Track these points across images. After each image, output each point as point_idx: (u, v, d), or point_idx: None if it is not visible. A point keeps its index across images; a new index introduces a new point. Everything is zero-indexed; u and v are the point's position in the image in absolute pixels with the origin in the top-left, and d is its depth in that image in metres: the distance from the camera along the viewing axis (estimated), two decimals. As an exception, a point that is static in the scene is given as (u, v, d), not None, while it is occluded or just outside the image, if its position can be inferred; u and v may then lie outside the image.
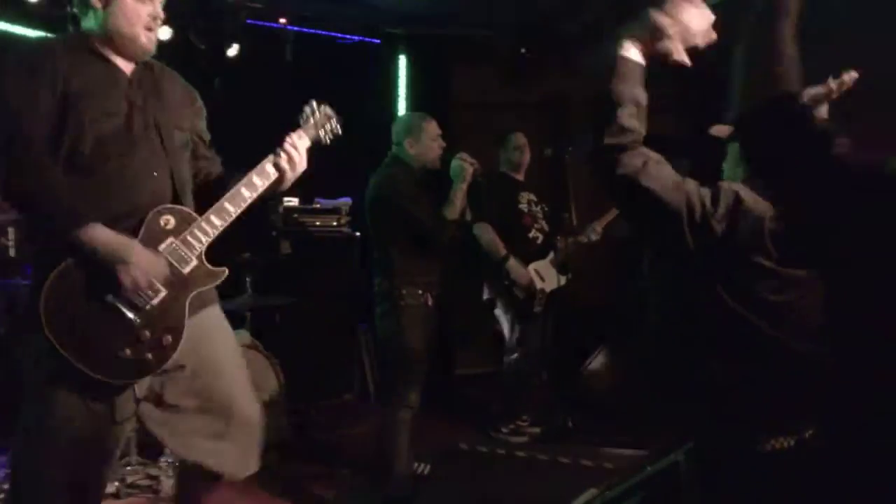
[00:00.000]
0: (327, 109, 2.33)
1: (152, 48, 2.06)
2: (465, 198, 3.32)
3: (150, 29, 2.03)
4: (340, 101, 6.16)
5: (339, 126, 2.35)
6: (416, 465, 3.50)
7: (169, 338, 1.93)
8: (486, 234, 4.18)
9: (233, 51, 5.23)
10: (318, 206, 5.43)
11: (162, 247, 1.95)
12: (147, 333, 1.90)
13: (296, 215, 5.28)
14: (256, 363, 4.07)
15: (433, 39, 6.09)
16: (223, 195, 2.10)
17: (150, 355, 1.90)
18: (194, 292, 1.99)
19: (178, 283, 1.96)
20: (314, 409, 4.51)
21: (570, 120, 6.65)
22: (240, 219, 2.09)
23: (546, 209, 4.53)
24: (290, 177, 2.17)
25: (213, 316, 2.16)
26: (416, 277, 3.25)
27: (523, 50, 6.05)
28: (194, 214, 2.03)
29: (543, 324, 4.40)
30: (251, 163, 5.46)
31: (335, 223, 5.41)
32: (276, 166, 2.14)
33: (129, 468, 3.69)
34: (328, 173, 5.90)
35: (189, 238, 1.99)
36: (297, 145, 2.18)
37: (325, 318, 5.01)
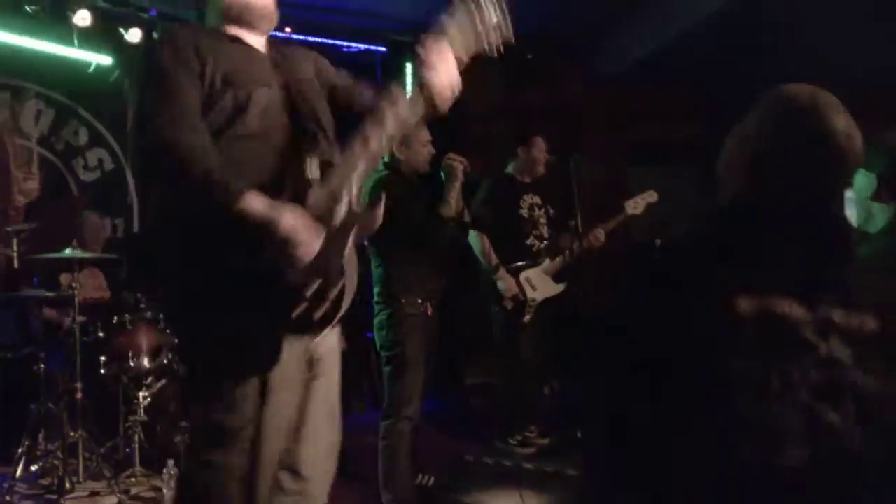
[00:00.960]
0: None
1: (274, 13, 2.00)
2: (461, 197, 3.27)
3: None
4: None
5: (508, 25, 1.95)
6: (420, 476, 3.45)
7: (334, 291, 1.82)
8: (480, 242, 4.14)
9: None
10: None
11: (311, 201, 1.81)
12: (310, 289, 1.78)
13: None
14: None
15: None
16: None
17: (320, 313, 1.81)
18: (350, 237, 1.86)
19: (329, 232, 1.81)
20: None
21: (575, 125, 6.64)
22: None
23: (552, 212, 4.47)
24: (443, 94, 1.92)
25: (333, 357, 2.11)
26: (415, 286, 3.20)
27: (529, 56, 6.02)
28: (335, 160, 1.92)
29: (538, 333, 4.34)
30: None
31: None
32: (420, 85, 1.89)
33: (132, 479, 3.69)
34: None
35: (333, 183, 1.84)
36: (437, 47, 1.92)
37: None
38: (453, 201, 3.21)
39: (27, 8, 4.38)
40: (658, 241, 6.27)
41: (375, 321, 3.24)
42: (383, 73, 6.05)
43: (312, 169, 1.88)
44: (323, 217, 1.80)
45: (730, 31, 5.48)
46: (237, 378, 1.78)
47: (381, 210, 2.00)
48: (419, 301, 3.18)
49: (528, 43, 6.03)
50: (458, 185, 3.21)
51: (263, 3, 1.98)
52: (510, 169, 4.45)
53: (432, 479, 3.56)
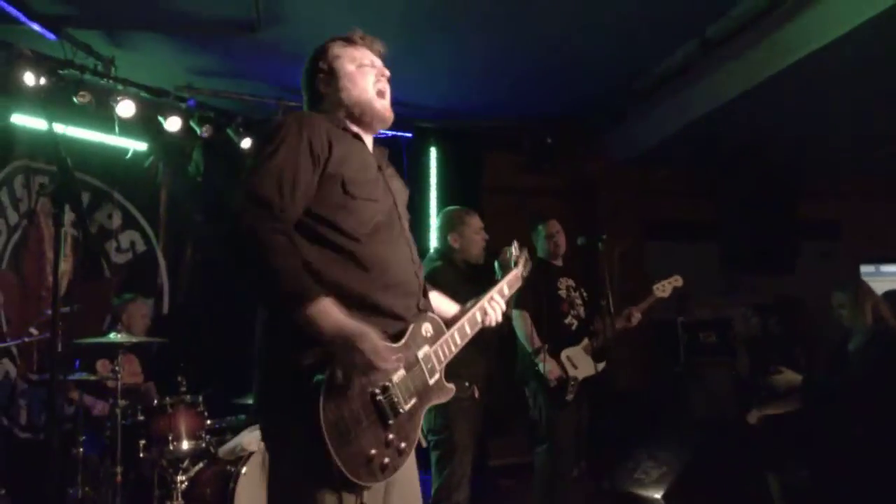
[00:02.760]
0: (525, 252, 2.44)
1: (391, 115, 2.02)
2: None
3: (382, 95, 2.01)
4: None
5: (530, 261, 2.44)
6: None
7: (405, 446, 1.81)
8: (524, 323, 4.17)
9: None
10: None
11: (420, 354, 1.89)
12: (393, 438, 1.78)
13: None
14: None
15: (463, 131, 6.29)
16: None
17: (387, 460, 1.75)
18: (429, 405, 1.92)
19: (423, 392, 1.88)
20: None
21: (597, 205, 6.78)
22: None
23: (585, 295, 4.53)
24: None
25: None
26: (462, 369, 3.22)
27: (549, 139, 6.21)
28: (444, 327, 1.99)
29: (577, 413, 4.32)
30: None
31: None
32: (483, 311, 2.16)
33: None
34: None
35: (440, 350, 1.94)
36: (507, 287, 2.28)
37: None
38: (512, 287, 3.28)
39: (75, 99, 4.55)
40: (681, 319, 6.36)
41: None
42: (409, 157, 6.23)
43: (427, 326, 1.92)
44: (423, 376, 1.87)
45: (744, 117, 5.67)
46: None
47: (452, 390, 1.99)
48: (466, 384, 3.19)
49: (548, 127, 6.25)
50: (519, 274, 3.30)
51: (385, 106, 2.01)
52: (539, 252, 4.53)
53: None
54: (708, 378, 5.83)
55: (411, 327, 1.87)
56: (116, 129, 4.90)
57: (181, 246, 5.73)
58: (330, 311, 1.64)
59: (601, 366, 4.29)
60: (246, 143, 5.35)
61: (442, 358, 1.95)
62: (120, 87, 4.72)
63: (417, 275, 1.97)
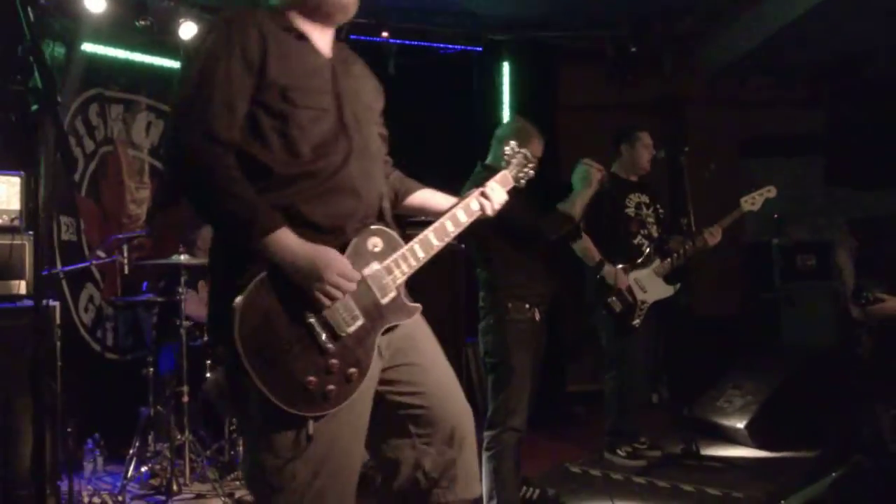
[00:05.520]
0: (527, 154, 2.17)
1: (356, 4, 1.80)
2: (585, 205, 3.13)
3: None
4: (445, 111, 6.16)
5: (535, 169, 2.21)
6: (524, 489, 3.30)
7: (355, 372, 1.67)
8: (581, 241, 3.92)
9: (337, 67, 5.26)
10: (423, 218, 5.35)
11: (367, 271, 1.73)
12: (336, 363, 1.65)
13: (400, 228, 5.22)
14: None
15: (537, 43, 5.92)
16: (400, 203, 2.01)
17: (332, 387, 1.64)
18: (385, 326, 1.76)
19: (375, 313, 1.73)
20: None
21: (685, 119, 6.32)
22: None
23: (661, 212, 4.22)
24: (488, 214, 2.02)
25: (418, 325, 1.90)
26: (522, 290, 3.05)
27: (633, 48, 5.76)
28: (400, 240, 1.81)
29: (648, 338, 4.09)
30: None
31: (440, 236, 5.32)
32: (480, 204, 1.99)
33: (236, 483, 3.72)
34: (431, 184, 5.94)
35: (393, 266, 1.76)
36: (499, 186, 2.06)
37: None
38: (578, 205, 3.09)
39: (136, 23, 4.54)
40: (776, 241, 5.91)
41: (481, 326, 3.11)
42: (479, 73, 5.94)
43: (375, 240, 1.76)
44: (373, 295, 1.72)
45: (847, 15, 5.06)
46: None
47: (416, 308, 1.82)
48: (527, 307, 3.02)
49: (632, 35, 5.80)
50: (590, 192, 3.11)
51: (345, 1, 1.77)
52: (614, 167, 4.23)
53: (538, 491, 3.39)
54: (805, 304, 5.42)
55: (353, 242, 1.72)
56: (182, 52, 4.87)
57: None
58: (288, 240, 1.60)
59: (672, 288, 4.01)
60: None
61: (398, 274, 1.77)
62: (182, 7, 4.66)
63: (374, 189, 1.80)
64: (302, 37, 1.76)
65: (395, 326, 1.77)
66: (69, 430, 3.55)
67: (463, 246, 5.28)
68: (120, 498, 3.46)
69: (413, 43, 5.58)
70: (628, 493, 3.67)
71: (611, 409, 4.12)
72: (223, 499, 3.50)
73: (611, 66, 6.02)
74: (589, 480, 3.88)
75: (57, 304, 3.36)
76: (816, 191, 6.35)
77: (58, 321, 3.32)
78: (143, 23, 4.53)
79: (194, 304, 3.96)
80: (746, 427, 4.20)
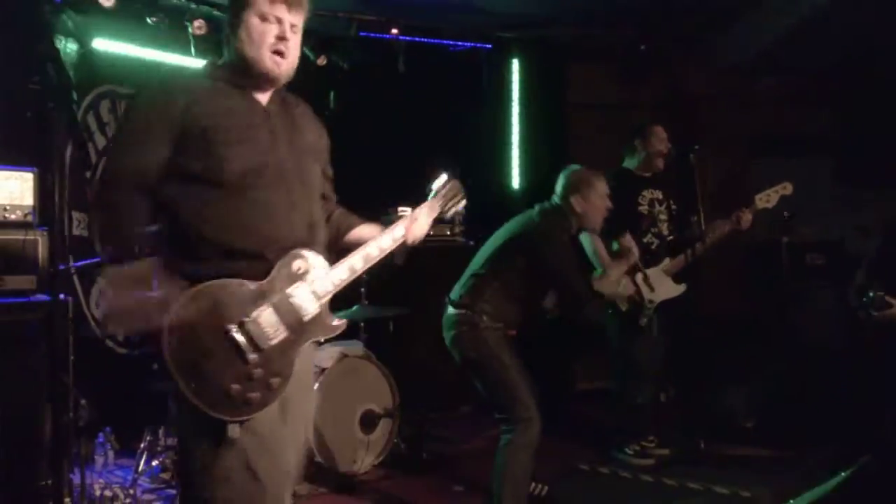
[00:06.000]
0: (456, 182, 2.32)
1: (280, 74, 1.99)
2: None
3: (277, 53, 1.96)
4: (454, 108, 6.16)
5: (464, 199, 2.34)
6: (532, 485, 3.31)
7: (277, 381, 1.87)
8: (591, 241, 3.92)
9: (347, 64, 5.28)
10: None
11: (291, 290, 1.92)
12: (259, 372, 1.85)
13: (409, 225, 5.24)
14: (370, 375, 4.04)
15: (546, 41, 5.92)
16: (342, 238, 2.20)
17: (255, 395, 1.83)
18: (309, 340, 1.96)
19: (298, 328, 1.92)
20: (429, 422, 4.41)
21: (695, 117, 6.29)
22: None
23: (674, 208, 4.20)
24: (410, 243, 2.20)
25: (307, 370, 2.13)
26: (503, 317, 3.12)
27: (643, 46, 5.75)
28: (325, 264, 1.99)
29: (656, 337, 4.08)
30: (367, 177, 5.49)
31: (448, 232, 5.34)
32: (404, 232, 2.17)
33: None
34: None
35: (317, 286, 1.95)
36: (423, 218, 2.23)
37: (439, 328, 4.91)
38: (614, 278, 3.26)
39: (148, 20, 4.55)
40: (785, 239, 5.89)
41: (451, 334, 3.13)
42: (489, 70, 5.94)
43: (300, 263, 1.94)
44: (296, 312, 1.91)
45: (857, 13, 5.04)
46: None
47: (338, 326, 2.01)
48: (500, 324, 3.11)
49: (642, 33, 5.79)
50: (625, 267, 3.32)
51: (276, 64, 1.96)
52: (627, 163, 4.22)
53: (546, 488, 3.41)
54: (813, 303, 5.40)
55: (277, 265, 1.91)
56: (192, 49, 4.89)
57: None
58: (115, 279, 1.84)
59: (681, 288, 4.01)
60: (322, 60, 5.22)
61: (321, 293, 1.96)
62: (193, 5, 4.68)
63: (301, 219, 1.99)
64: (238, 85, 2.00)
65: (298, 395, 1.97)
66: (81, 423, 3.57)
67: (472, 243, 5.34)
68: (131, 491, 3.49)
69: (422, 40, 5.58)
70: (636, 491, 3.67)
71: (619, 407, 4.12)
72: None
73: (620, 64, 6.03)
74: (597, 478, 3.89)
75: (70, 299, 3.37)
76: (826, 190, 6.32)
77: (70, 316, 3.34)
78: (154, 20, 4.54)
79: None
80: (754, 426, 4.20)
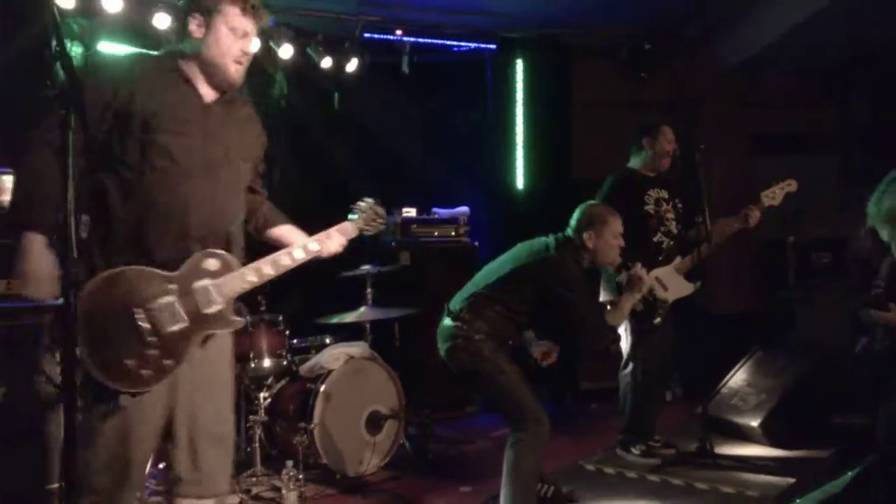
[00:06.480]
0: (378, 208, 2.50)
1: (238, 81, 2.18)
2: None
3: (239, 62, 2.15)
4: (458, 109, 6.15)
5: (383, 224, 2.53)
6: (539, 486, 3.31)
7: (170, 363, 2.04)
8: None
9: (351, 65, 5.29)
10: (436, 216, 5.38)
11: (196, 284, 2.08)
12: (155, 353, 2.02)
13: (414, 226, 5.26)
14: (376, 376, 4.05)
15: (551, 41, 5.92)
16: (263, 232, 2.39)
17: (147, 373, 2.01)
18: (208, 332, 2.11)
19: (198, 319, 2.08)
20: (435, 423, 4.42)
21: (699, 117, 6.29)
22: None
23: (680, 207, 4.19)
24: (325, 256, 2.34)
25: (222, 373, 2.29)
26: (501, 337, 3.11)
27: (647, 45, 5.74)
28: (237, 265, 2.15)
29: (667, 336, 4.07)
30: (371, 177, 5.48)
31: (453, 233, 5.35)
32: (318, 248, 2.32)
33: (253, 479, 3.76)
34: (446, 183, 5.97)
35: (223, 285, 2.11)
36: (338, 236, 2.38)
37: (444, 329, 4.94)
38: (625, 312, 3.25)
39: (152, 23, 4.56)
40: (791, 239, 5.89)
41: (446, 346, 3.10)
42: (493, 71, 5.95)
43: (212, 261, 2.09)
44: (199, 305, 2.07)
45: (860, 11, 5.02)
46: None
47: (237, 322, 2.15)
48: (493, 345, 3.10)
49: (647, 32, 5.78)
50: (636, 298, 3.29)
51: (238, 72, 2.15)
52: (633, 163, 4.21)
53: (552, 488, 3.41)
54: (818, 302, 5.40)
55: (189, 260, 2.07)
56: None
57: (268, 169, 5.78)
58: (31, 244, 1.98)
59: (692, 287, 4.00)
60: (326, 62, 5.23)
61: (228, 292, 2.11)
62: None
63: (220, 215, 2.14)
64: (188, 81, 2.14)
65: (206, 362, 2.15)
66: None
67: (476, 244, 5.34)
68: (138, 493, 3.49)
69: (427, 40, 5.59)
70: (642, 490, 3.67)
71: (625, 406, 4.12)
72: (239, 495, 3.54)
73: (625, 63, 6.02)
74: (603, 478, 3.89)
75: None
76: (830, 189, 6.31)
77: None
78: (159, 21, 4.55)
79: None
80: (761, 425, 4.19)
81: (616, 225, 3.23)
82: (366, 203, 2.47)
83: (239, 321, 2.16)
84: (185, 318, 2.05)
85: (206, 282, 2.08)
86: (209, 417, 2.18)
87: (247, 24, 2.14)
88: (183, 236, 2.07)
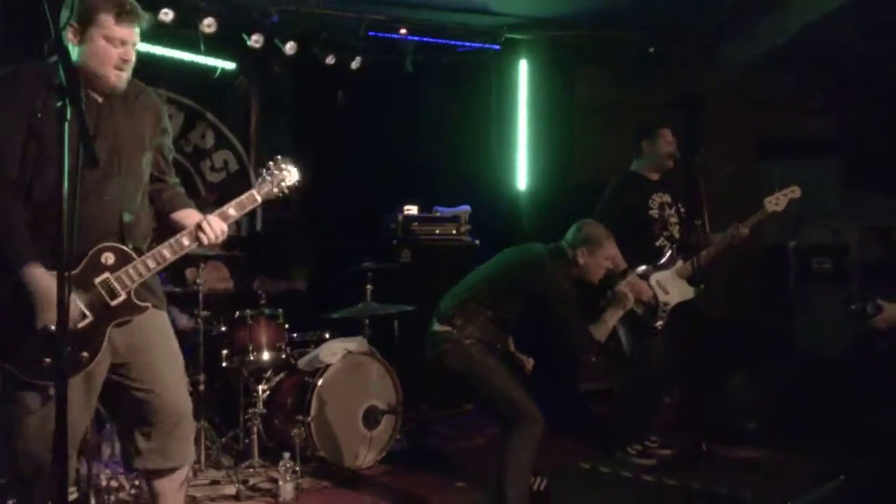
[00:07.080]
0: (286, 165, 2.50)
1: (122, 86, 2.22)
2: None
3: (120, 69, 2.19)
4: (461, 109, 6.18)
5: (294, 180, 2.52)
6: (532, 479, 3.32)
7: (86, 355, 2.16)
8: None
9: (355, 63, 5.32)
10: (438, 214, 5.40)
11: (97, 279, 2.18)
12: (67, 349, 2.05)
13: (415, 224, 5.27)
14: (374, 371, 4.07)
15: (554, 42, 5.93)
16: (166, 216, 2.45)
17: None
18: (117, 321, 2.21)
19: (104, 312, 2.18)
20: (431, 419, 4.44)
21: (702, 119, 6.29)
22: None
23: (683, 210, 4.20)
24: (212, 240, 2.37)
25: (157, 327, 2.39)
26: (490, 341, 3.15)
27: (651, 48, 5.75)
28: (133, 256, 2.24)
29: (668, 339, 4.08)
30: (374, 176, 5.51)
31: (454, 231, 5.36)
32: (205, 232, 2.34)
33: (251, 470, 3.78)
34: (447, 181, 5.99)
35: (123, 276, 2.21)
36: (218, 222, 2.37)
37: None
38: (610, 326, 3.27)
39: (158, 17, 4.59)
40: (793, 244, 5.88)
41: (437, 351, 3.13)
42: (497, 71, 5.97)
43: (108, 255, 2.20)
44: (102, 298, 2.18)
45: (873, 14, 5.02)
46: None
47: (145, 307, 2.26)
48: (483, 349, 3.14)
49: (651, 35, 5.79)
50: (620, 314, 3.30)
51: (119, 78, 2.19)
52: (635, 166, 4.21)
53: (544, 482, 3.42)
54: (819, 308, 5.39)
55: (87, 257, 2.16)
56: (202, 46, 4.94)
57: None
58: (35, 277, 2.08)
59: (693, 291, 4.01)
60: (330, 59, 5.26)
61: (128, 281, 2.21)
62: (203, 3, 4.72)
63: (116, 211, 2.22)
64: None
65: (130, 322, 2.24)
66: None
67: (477, 242, 5.36)
68: (136, 482, 3.52)
69: (430, 40, 5.61)
70: (637, 490, 3.68)
71: (623, 407, 4.13)
72: (237, 485, 3.56)
73: (628, 65, 6.03)
74: (598, 477, 3.90)
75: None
76: (834, 193, 6.30)
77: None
78: (164, 17, 4.59)
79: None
80: (757, 428, 4.20)
81: (610, 248, 3.26)
82: (270, 165, 2.49)
83: (145, 305, 2.25)
84: (89, 313, 2.15)
85: (105, 276, 2.18)
86: (170, 389, 2.33)
87: (123, 32, 2.16)
88: (78, 237, 2.08)
